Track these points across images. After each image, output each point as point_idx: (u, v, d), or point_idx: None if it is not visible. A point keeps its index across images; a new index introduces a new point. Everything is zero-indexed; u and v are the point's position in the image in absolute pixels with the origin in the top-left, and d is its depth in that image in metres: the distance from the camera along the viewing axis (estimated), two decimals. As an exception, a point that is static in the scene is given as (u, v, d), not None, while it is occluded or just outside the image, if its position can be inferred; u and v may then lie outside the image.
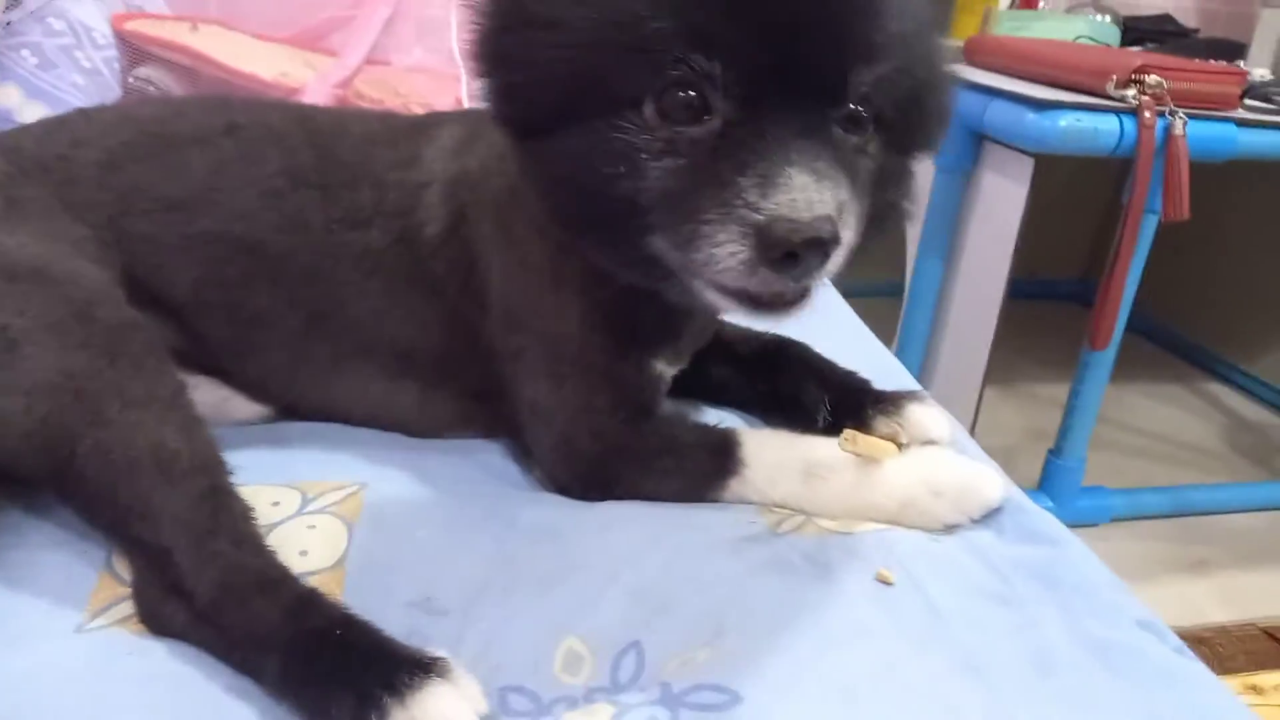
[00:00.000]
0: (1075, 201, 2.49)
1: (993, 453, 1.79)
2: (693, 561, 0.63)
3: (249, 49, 1.62)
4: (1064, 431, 1.54)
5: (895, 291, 1.72)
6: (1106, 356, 1.46)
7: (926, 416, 0.74)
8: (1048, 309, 2.60)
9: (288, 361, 0.75)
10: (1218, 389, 2.27)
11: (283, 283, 0.73)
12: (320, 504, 0.67)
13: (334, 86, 1.33)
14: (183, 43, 1.41)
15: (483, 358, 0.73)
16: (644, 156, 0.53)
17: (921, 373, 1.65)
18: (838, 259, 0.53)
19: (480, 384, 0.75)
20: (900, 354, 1.64)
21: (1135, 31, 2.20)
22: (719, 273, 0.52)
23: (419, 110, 1.58)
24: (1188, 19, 2.48)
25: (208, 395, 0.74)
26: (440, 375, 0.76)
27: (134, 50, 1.44)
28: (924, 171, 1.56)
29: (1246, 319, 2.27)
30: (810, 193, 0.50)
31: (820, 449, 0.71)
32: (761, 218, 0.50)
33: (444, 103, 1.60)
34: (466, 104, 1.60)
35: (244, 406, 0.76)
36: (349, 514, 0.66)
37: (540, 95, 0.56)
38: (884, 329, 1.60)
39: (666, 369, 0.75)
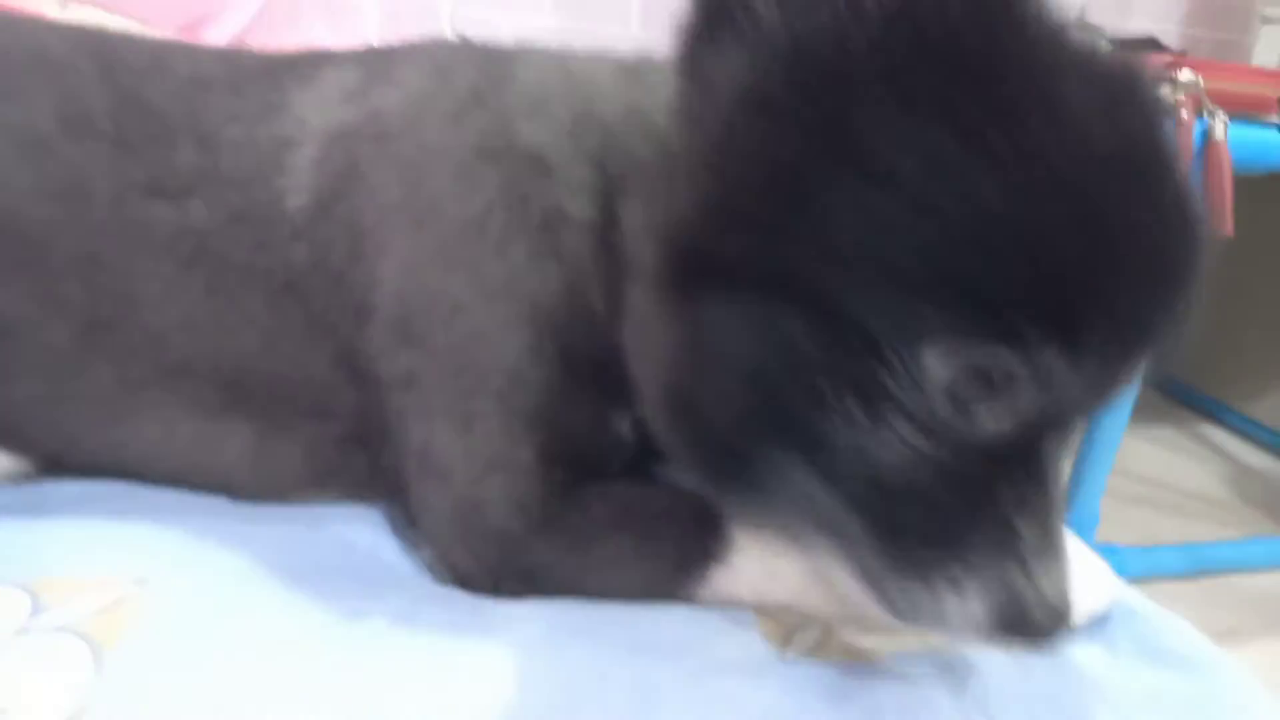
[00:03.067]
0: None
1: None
2: (658, 713, 0.39)
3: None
4: (1076, 483, 1.33)
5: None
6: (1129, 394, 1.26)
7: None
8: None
9: (50, 391, 0.51)
10: (1213, 433, 2.10)
11: (44, 274, 0.50)
12: (57, 617, 0.41)
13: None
14: (36, 10, 1.16)
15: (356, 385, 0.50)
16: (887, 418, 0.37)
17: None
18: None
19: (350, 424, 0.51)
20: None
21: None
22: (919, 617, 0.39)
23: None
24: (1171, 44, 2.35)
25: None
26: (287, 411, 0.52)
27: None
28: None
29: (1240, 360, 2.11)
30: (1066, 574, 0.38)
31: (844, 523, 0.48)
32: (1030, 598, 0.37)
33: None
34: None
35: (-19, 458, 0.51)
36: (102, 634, 0.41)
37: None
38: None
39: (630, 433, 0.51)
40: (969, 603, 0.37)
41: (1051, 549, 0.38)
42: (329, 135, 0.52)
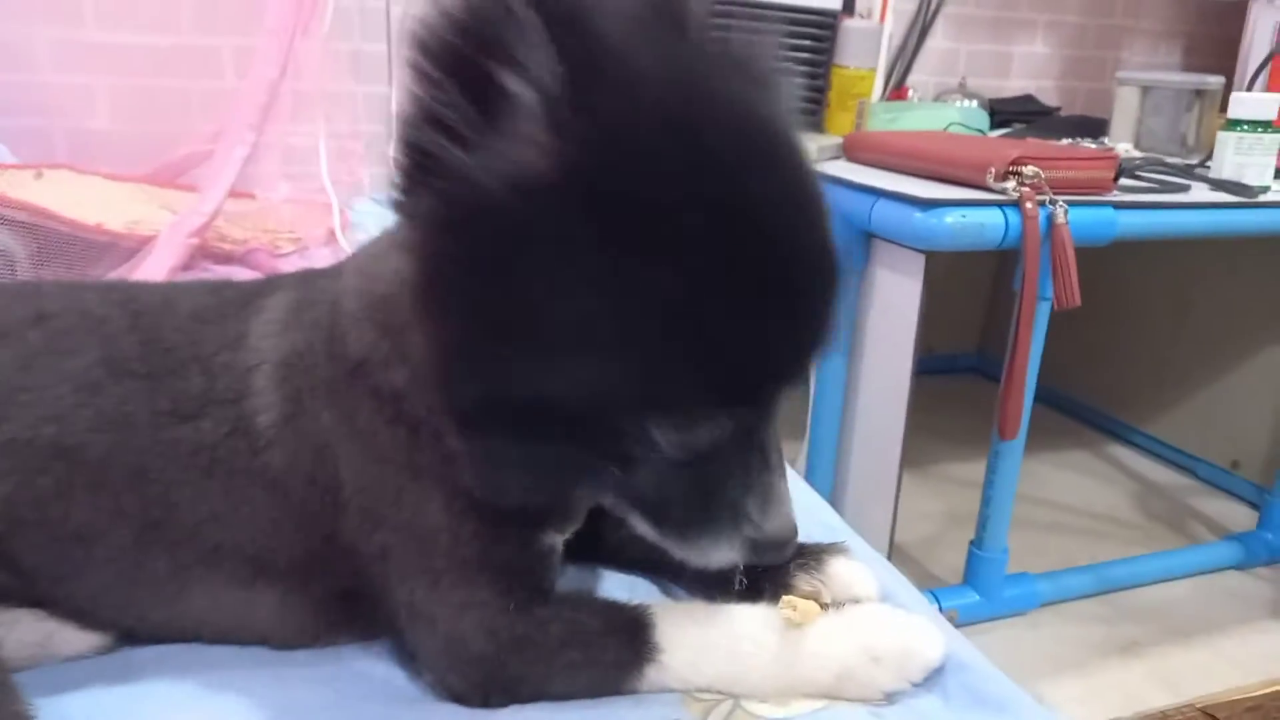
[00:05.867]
0: (964, 278, 2.54)
1: (914, 546, 1.79)
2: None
3: (99, 194, 1.52)
4: (983, 523, 1.51)
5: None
6: (1016, 445, 1.44)
7: (850, 572, 0.68)
8: (949, 384, 2.62)
9: (120, 581, 0.65)
10: (1121, 452, 2.30)
11: (106, 490, 0.63)
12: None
13: (188, 237, 1.23)
14: (19, 198, 1.30)
15: (345, 557, 0.64)
16: (635, 463, 0.53)
17: (837, 468, 1.61)
18: None
19: (348, 584, 0.66)
20: (812, 452, 1.60)
21: (1002, 114, 2.27)
22: (702, 560, 0.57)
23: (289, 245, 1.49)
24: (1049, 98, 2.59)
25: (29, 632, 0.63)
26: (300, 579, 0.66)
27: (-35, 210, 1.31)
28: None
29: (1138, 381, 2.32)
30: (789, 507, 0.56)
31: (742, 621, 0.63)
32: (760, 537, 0.55)
33: (316, 234, 1.52)
34: (340, 234, 1.52)
35: (74, 638, 0.65)
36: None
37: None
38: (791, 420, 1.56)
39: (557, 538, 0.67)
40: (722, 550, 0.56)
41: (770, 504, 0.55)
42: (278, 362, 0.65)
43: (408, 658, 0.66)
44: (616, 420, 0.51)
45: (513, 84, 0.44)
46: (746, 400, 0.52)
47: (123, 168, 1.67)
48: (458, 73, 0.44)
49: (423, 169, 0.46)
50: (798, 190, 0.50)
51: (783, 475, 0.55)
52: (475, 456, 0.55)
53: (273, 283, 0.73)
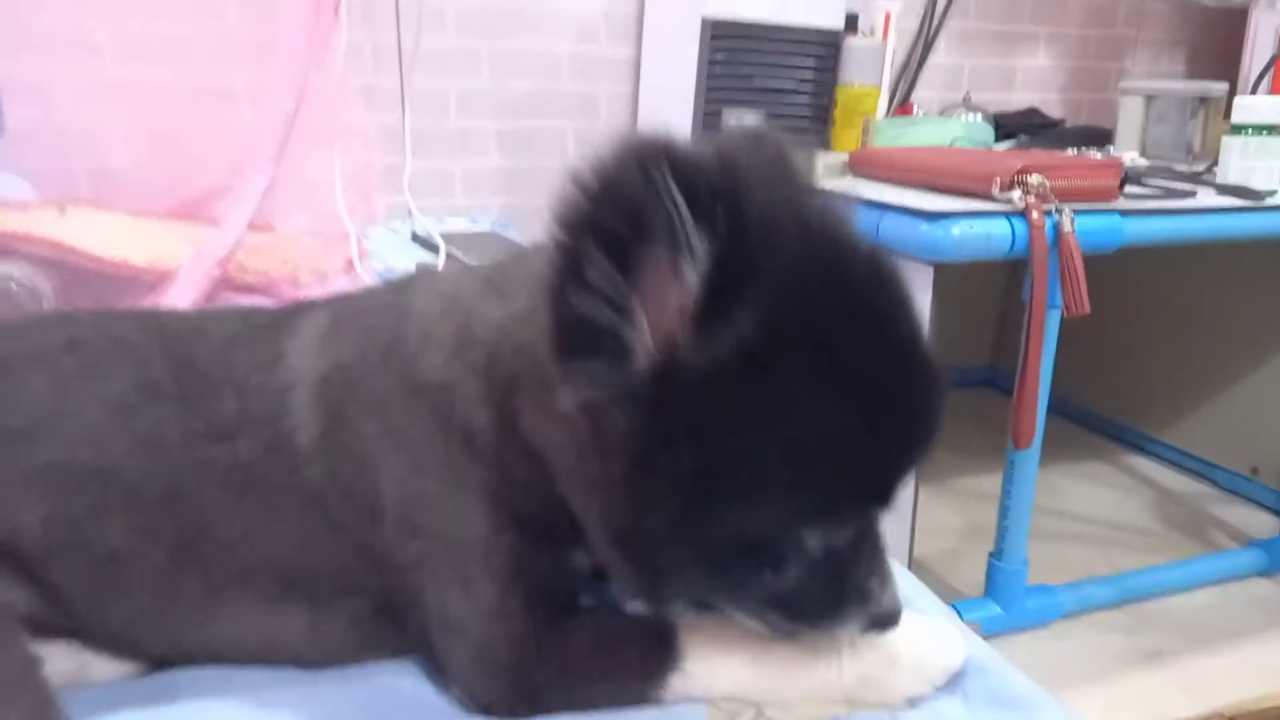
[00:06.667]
0: (975, 291, 2.55)
1: (934, 560, 1.79)
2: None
3: (121, 229, 1.54)
4: (1002, 534, 1.51)
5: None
6: (1031, 454, 1.44)
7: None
8: (963, 398, 2.59)
9: (154, 603, 0.66)
10: (1139, 461, 2.30)
11: (141, 510, 0.65)
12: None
13: (210, 269, 1.25)
14: (43, 234, 1.32)
15: (378, 570, 0.65)
16: (786, 568, 0.56)
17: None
18: None
19: (379, 599, 0.67)
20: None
21: (1007, 127, 2.28)
22: (826, 635, 0.61)
23: (308, 276, 1.52)
24: (1053, 110, 2.61)
25: (63, 663, 0.64)
26: (331, 594, 0.67)
27: (-9, 247, 1.34)
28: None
29: (1153, 390, 2.32)
30: (896, 590, 0.61)
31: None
32: (881, 611, 0.59)
33: (333, 265, 1.54)
34: (357, 263, 1.54)
35: (105, 667, 0.66)
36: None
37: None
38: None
39: (585, 560, 0.68)
40: (848, 629, 0.60)
41: (886, 582, 0.60)
42: (316, 380, 0.67)
43: (436, 672, 0.68)
44: (779, 531, 0.55)
45: (662, 255, 0.46)
46: (887, 501, 0.57)
47: (144, 203, 1.70)
48: (605, 244, 0.46)
49: (586, 336, 0.49)
50: (914, 316, 0.54)
51: (887, 553, 0.61)
52: (646, 575, 0.58)
53: (304, 306, 0.75)
